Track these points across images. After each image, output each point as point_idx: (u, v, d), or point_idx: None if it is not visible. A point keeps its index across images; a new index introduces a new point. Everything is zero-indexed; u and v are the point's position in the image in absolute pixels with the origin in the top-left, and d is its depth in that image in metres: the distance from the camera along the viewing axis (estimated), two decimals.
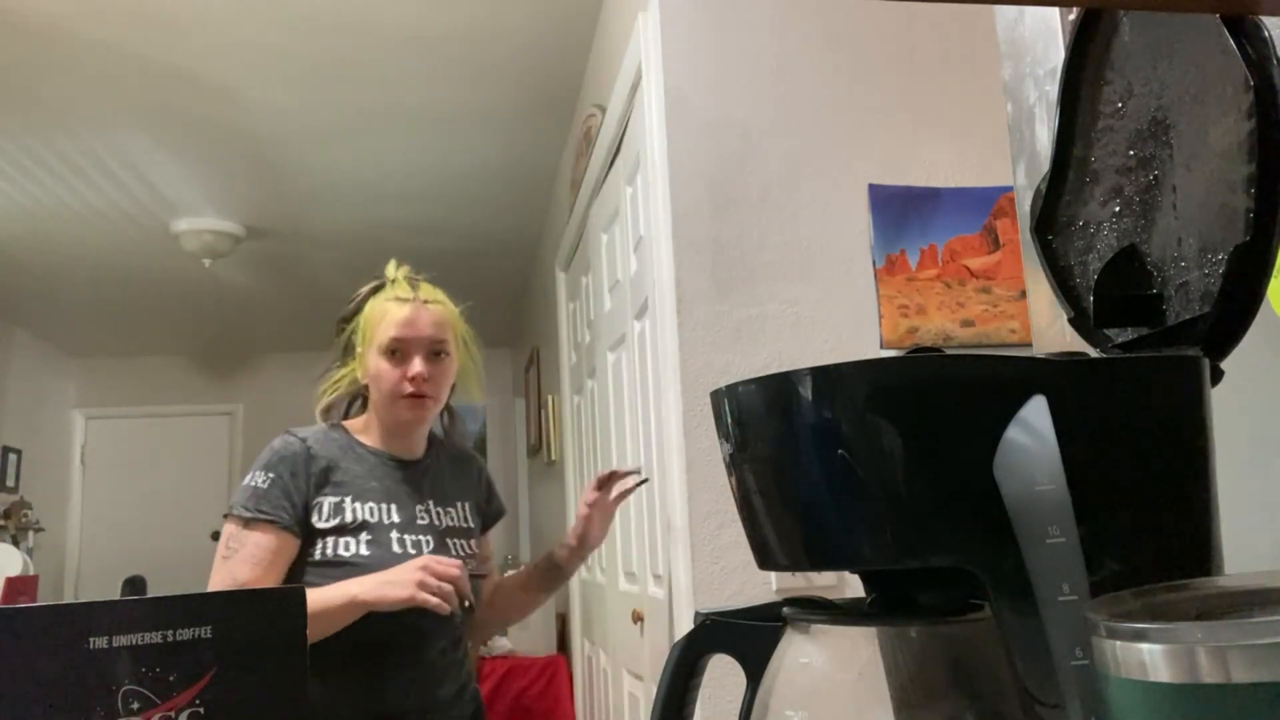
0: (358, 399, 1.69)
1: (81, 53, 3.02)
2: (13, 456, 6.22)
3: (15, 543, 5.77)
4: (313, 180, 3.99)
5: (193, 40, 2.92)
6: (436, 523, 1.58)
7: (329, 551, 1.46)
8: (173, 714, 0.46)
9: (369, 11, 2.66)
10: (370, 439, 1.61)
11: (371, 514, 1.50)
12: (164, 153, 3.77)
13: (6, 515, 5.94)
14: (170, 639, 0.47)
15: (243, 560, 1.42)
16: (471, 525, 1.66)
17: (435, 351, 1.58)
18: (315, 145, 3.63)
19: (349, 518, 1.49)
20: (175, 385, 6.94)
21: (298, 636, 0.51)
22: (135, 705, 0.46)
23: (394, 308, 1.57)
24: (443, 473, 1.67)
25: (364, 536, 1.47)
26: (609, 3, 2.74)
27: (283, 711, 0.49)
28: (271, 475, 1.47)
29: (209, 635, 0.48)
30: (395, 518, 1.52)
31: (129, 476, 6.87)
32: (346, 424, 1.64)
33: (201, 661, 0.47)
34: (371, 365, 1.57)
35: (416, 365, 1.54)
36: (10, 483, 6.18)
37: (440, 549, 1.54)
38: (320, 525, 1.46)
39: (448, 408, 1.74)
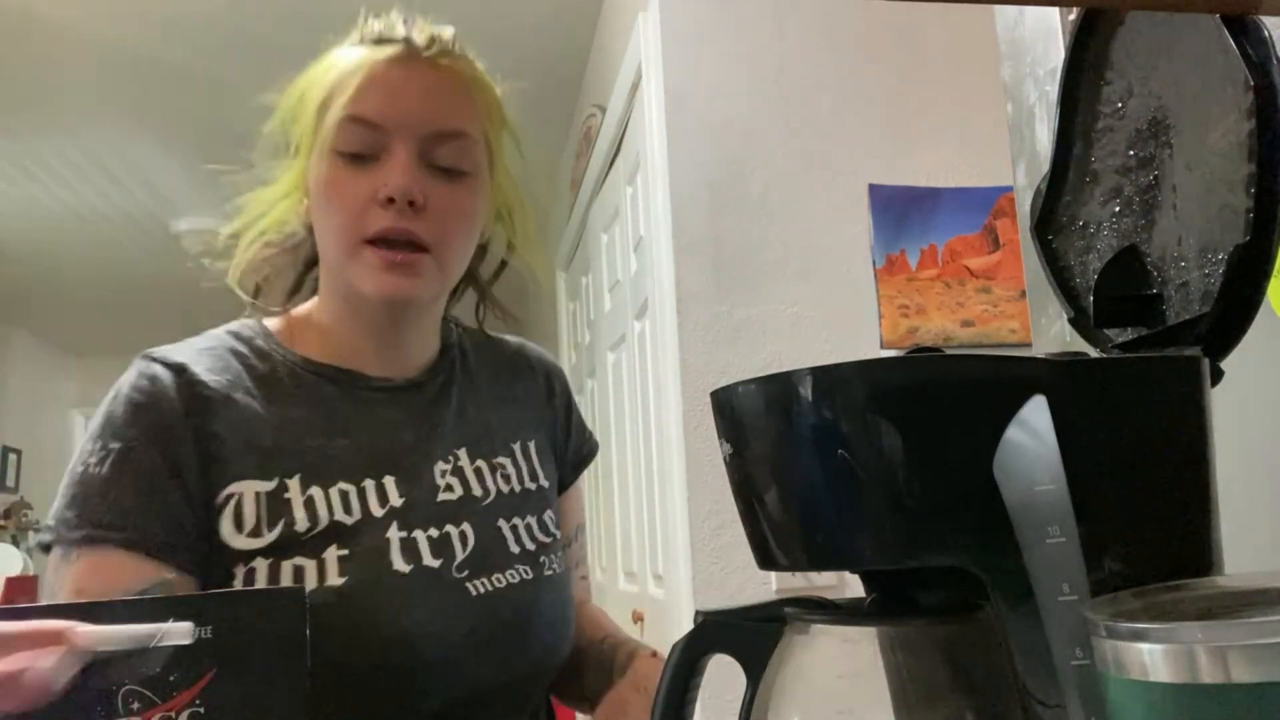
0: (311, 269, 0.93)
1: (81, 53, 3.02)
2: (13, 456, 6.22)
3: (15, 543, 5.77)
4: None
5: (194, 39, 2.92)
6: (477, 491, 0.86)
7: (271, 583, 0.75)
8: (173, 714, 0.46)
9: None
10: (324, 349, 0.86)
11: (344, 504, 0.79)
12: (164, 153, 3.77)
13: (6, 515, 5.94)
14: (169, 643, 0.47)
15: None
16: (544, 484, 0.93)
17: (441, 165, 0.82)
18: None
19: (300, 518, 0.77)
20: None
21: (298, 636, 0.50)
22: (136, 705, 0.45)
23: (364, 55, 0.82)
24: (474, 390, 0.93)
25: (334, 551, 0.76)
26: (609, 3, 2.74)
27: (283, 712, 0.48)
28: (113, 449, 0.76)
29: (209, 636, 0.47)
30: (395, 499, 0.81)
31: None
32: (278, 324, 0.89)
33: (202, 662, 0.47)
34: (316, 179, 0.82)
35: (398, 171, 0.79)
36: (10, 483, 6.18)
37: (491, 547, 0.84)
38: (237, 542, 0.76)
39: (481, 289, 0.98)
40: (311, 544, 0.76)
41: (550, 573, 0.88)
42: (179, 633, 0.47)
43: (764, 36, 2.11)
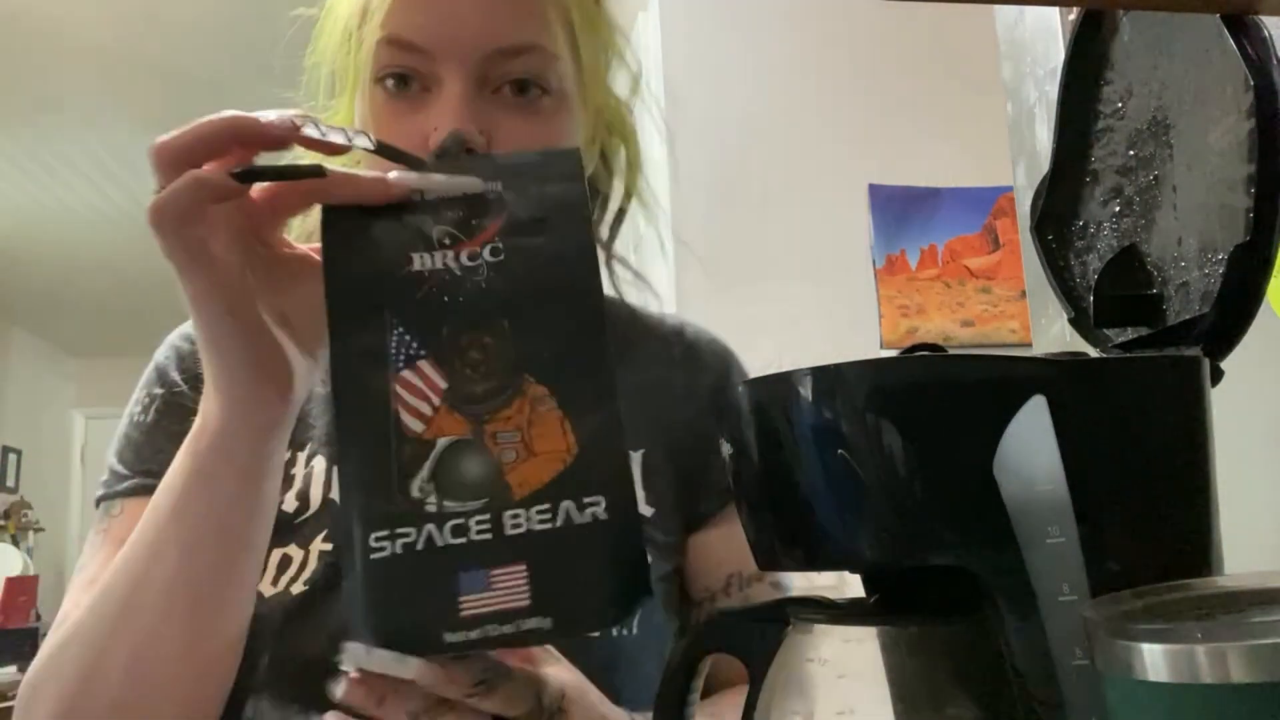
0: None
1: (82, 53, 3.02)
2: (13, 456, 6.23)
3: (15, 543, 5.78)
4: None
5: (193, 40, 2.92)
6: None
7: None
8: (478, 248, 0.52)
9: None
10: None
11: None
12: None
13: (6, 515, 5.95)
14: (468, 192, 0.54)
15: (83, 582, 0.66)
16: (642, 510, 0.71)
17: (509, 87, 0.65)
18: None
19: (290, 495, 0.69)
20: None
21: (575, 196, 0.54)
22: (447, 241, 0.52)
23: None
24: None
25: (319, 541, 0.67)
26: (609, 3, 2.74)
27: (569, 263, 0.52)
28: (156, 394, 0.73)
29: (498, 189, 0.54)
30: None
31: None
32: None
33: (493, 209, 0.53)
34: (359, 116, 0.69)
35: (449, 110, 0.63)
36: (10, 483, 6.18)
37: None
38: None
39: (600, 243, 0.81)
40: (304, 529, 0.67)
41: (626, 632, 0.65)
42: (473, 184, 0.54)
43: (764, 36, 2.11)
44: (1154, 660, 0.30)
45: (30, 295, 5.67)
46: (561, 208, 0.54)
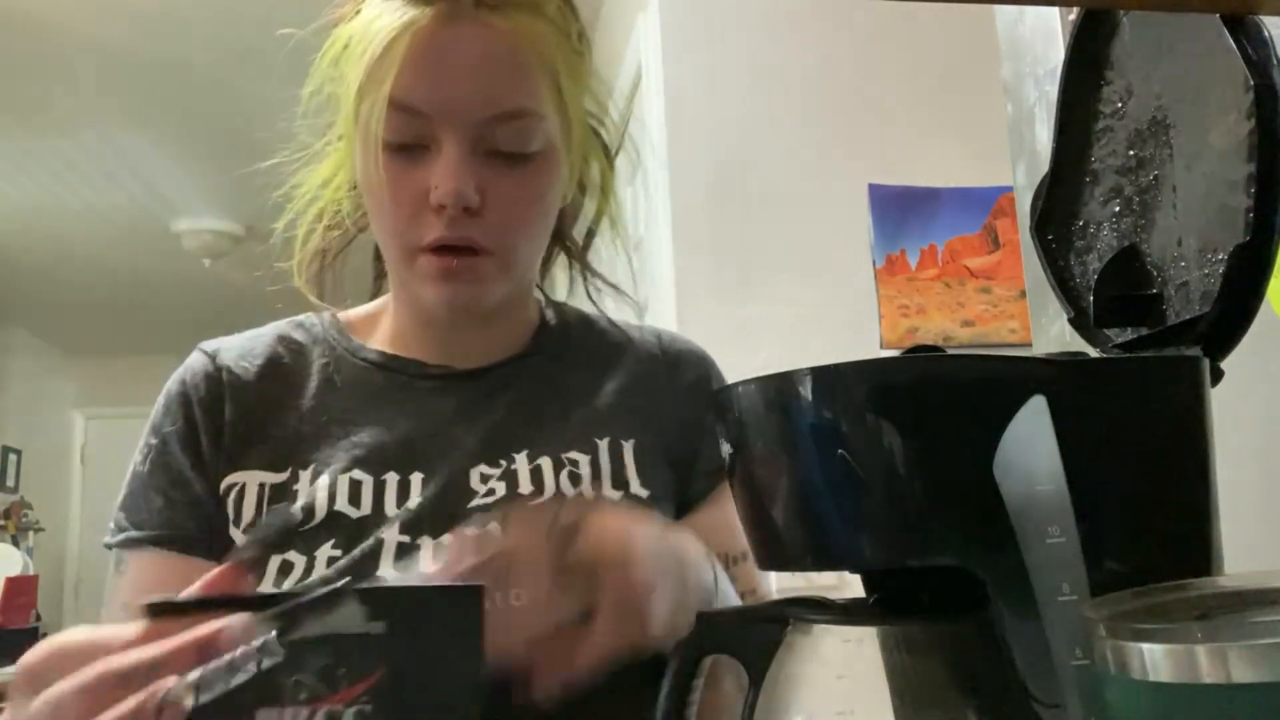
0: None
1: (82, 53, 3.02)
2: (13, 456, 6.22)
3: (15, 543, 5.78)
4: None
5: (193, 39, 2.92)
6: (525, 490, 0.72)
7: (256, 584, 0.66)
8: (340, 708, 0.43)
9: None
10: (389, 339, 0.80)
11: (354, 495, 0.70)
12: (164, 153, 3.77)
13: (6, 515, 5.95)
14: (340, 633, 0.44)
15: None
16: (638, 493, 0.75)
17: (502, 149, 0.70)
18: None
19: (297, 507, 0.69)
20: None
21: (473, 639, 0.45)
22: (303, 695, 0.43)
23: (403, 17, 0.68)
24: (557, 380, 0.80)
25: (326, 550, 0.68)
26: (609, 3, 2.74)
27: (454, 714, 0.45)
28: (153, 445, 0.74)
29: (381, 632, 0.45)
30: (414, 499, 0.70)
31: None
32: (352, 314, 0.84)
33: (372, 658, 0.44)
34: (360, 170, 0.72)
35: (448, 172, 0.68)
36: (10, 483, 6.18)
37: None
38: (237, 538, 0.70)
39: (570, 253, 0.87)
40: (308, 537, 0.68)
41: None
42: (349, 622, 0.44)
43: (764, 36, 2.11)
44: (1154, 660, 0.30)
45: (30, 295, 5.67)
46: (454, 663, 0.44)
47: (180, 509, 0.72)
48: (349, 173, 0.77)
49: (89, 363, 7.04)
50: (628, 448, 0.76)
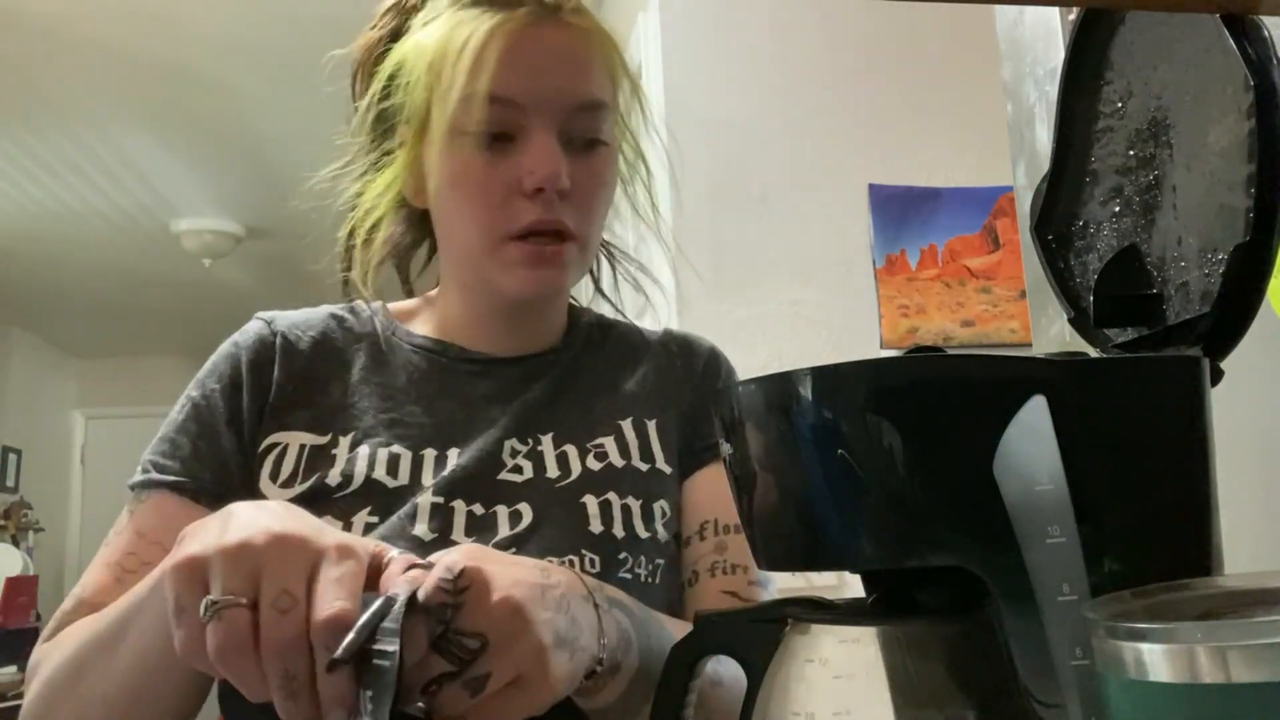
0: (410, 254, 0.88)
1: (81, 53, 3.02)
2: (13, 456, 6.22)
3: (15, 543, 5.78)
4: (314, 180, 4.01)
5: (193, 39, 2.92)
6: (552, 473, 0.76)
7: None
8: None
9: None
10: (434, 326, 0.84)
11: (392, 466, 0.73)
12: (164, 153, 3.77)
13: (6, 515, 5.94)
14: None
15: (100, 562, 0.73)
16: (663, 469, 0.80)
17: (579, 139, 0.75)
18: (317, 145, 3.63)
19: (335, 471, 0.72)
20: (175, 385, 6.89)
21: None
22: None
23: (492, 20, 0.73)
24: (584, 373, 0.84)
25: (363, 516, 0.71)
26: (609, 3, 2.74)
27: None
28: (192, 397, 0.78)
29: None
30: (449, 468, 0.74)
31: (129, 476, 6.88)
32: (400, 304, 0.88)
33: None
34: (445, 166, 0.75)
35: (544, 157, 0.72)
36: (10, 483, 6.18)
37: (549, 522, 0.73)
38: (271, 492, 0.73)
39: (609, 252, 0.93)
40: (344, 502, 0.71)
41: (628, 576, 0.72)
42: None
43: (764, 36, 2.11)
44: (1154, 660, 0.30)
45: (30, 295, 5.67)
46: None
47: (204, 459, 0.75)
48: (408, 179, 0.80)
49: (89, 363, 7.04)
50: (651, 426, 0.82)
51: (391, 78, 0.78)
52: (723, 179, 2.02)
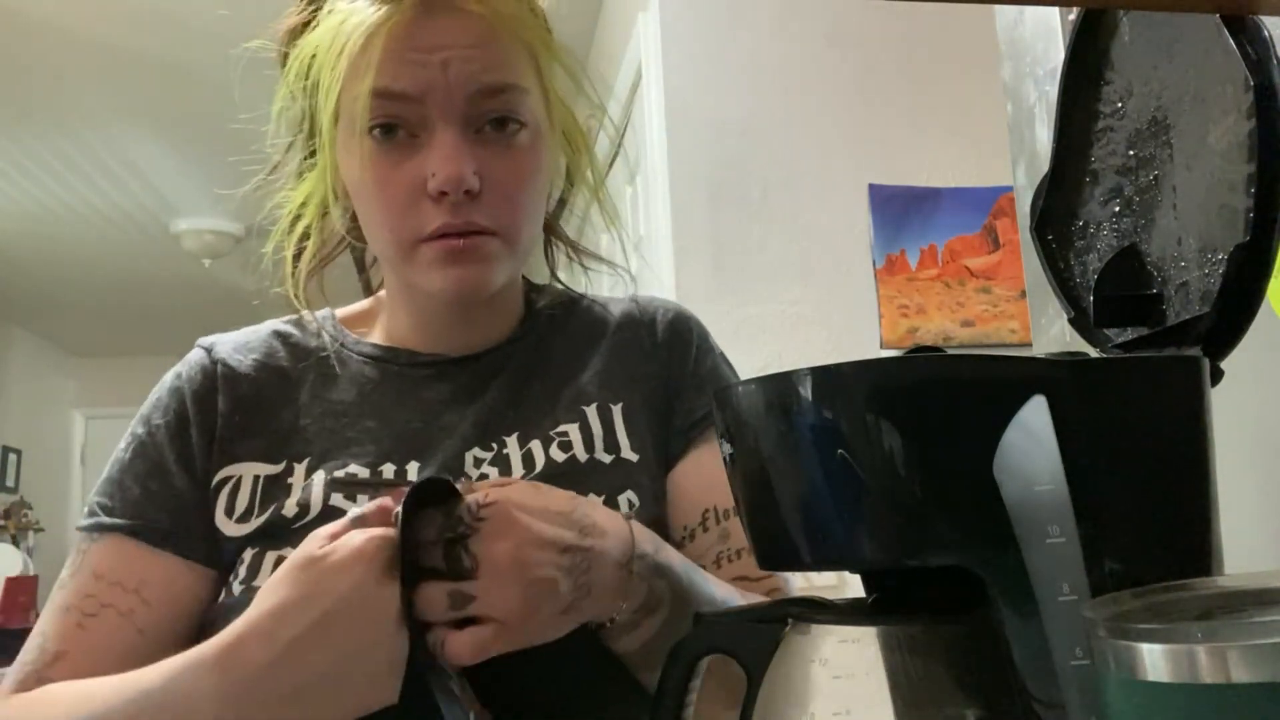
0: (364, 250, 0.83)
1: (81, 52, 3.02)
2: (13, 456, 6.22)
3: (15, 543, 5.78)
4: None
5: (193, 39, 2.92)
6: (519, 472, 0.73)
7: (248, 579, 0.68)
8: None
9: None
10: (384, 332, 0.81)
11: (348, 490, 0.71)
12: (164, 153, 3.77)
13: (6, 515, 5.95)
14: None
15: (58, 606, 0.70)
16: (628, 457, 0.75)
17: (491, 126, 0.71)
18: None
19: (291, 502, 0.70)
20: None
21: None
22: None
23: (378, 10, 0.69)
24: (543, 361, 0.80)
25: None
26: (609, 3, 2.74)
27: None
28: (138, 435, 0.74)
29: None
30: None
31: None
32: (349, 310, 0.85)
33: None
34: (349, 169, 0.72)
35: (446, 156, 0.68)
36: (10, 483, 6.18)
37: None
38: (228, 528, 0.70)
39: (549, 229, 0.86)
40: (303, 533, 0.62)
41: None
42: None
43: (764, 36, 2.11)
44: (1154, 660, 0.30)
45: (30, 295, 5.67)
46: None
47: (156, 500, 0.72)
48: (329, 185, 0.76)
49: (89, 363, 7.04)
50: (616, 411, 0.77)
51: (298, 76, 0.74)
52: (723, 179, 2.02)
